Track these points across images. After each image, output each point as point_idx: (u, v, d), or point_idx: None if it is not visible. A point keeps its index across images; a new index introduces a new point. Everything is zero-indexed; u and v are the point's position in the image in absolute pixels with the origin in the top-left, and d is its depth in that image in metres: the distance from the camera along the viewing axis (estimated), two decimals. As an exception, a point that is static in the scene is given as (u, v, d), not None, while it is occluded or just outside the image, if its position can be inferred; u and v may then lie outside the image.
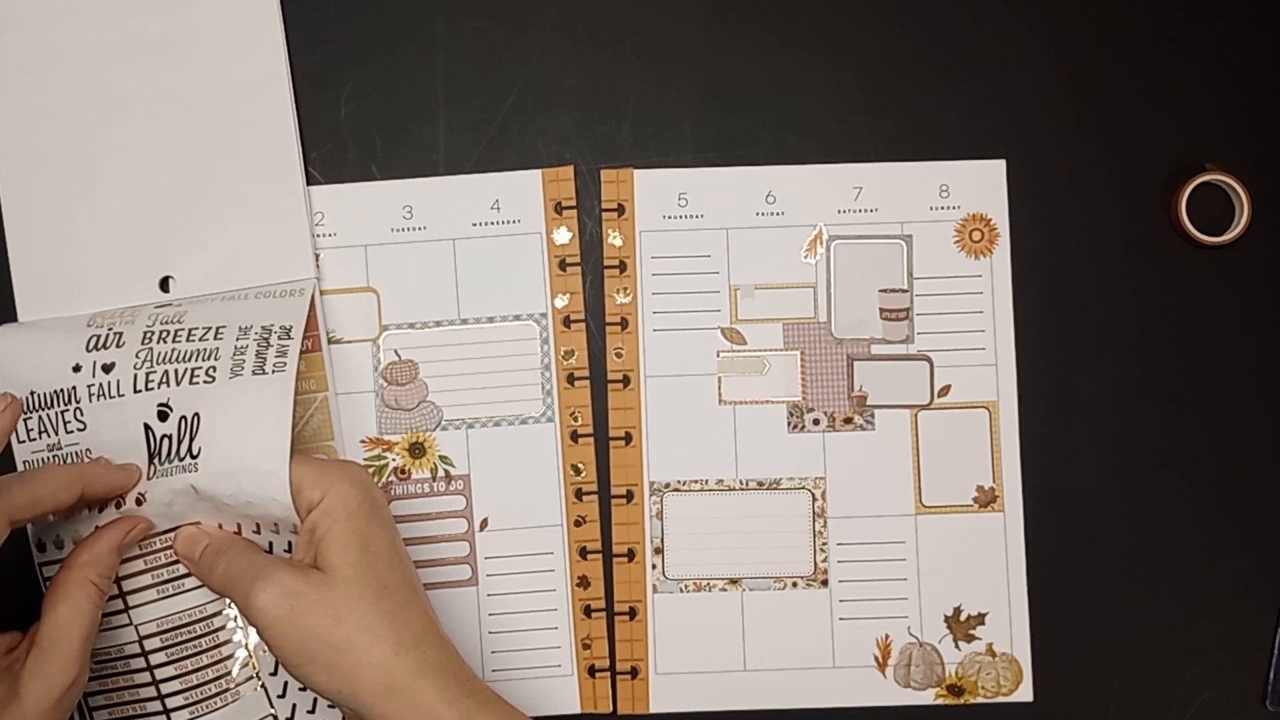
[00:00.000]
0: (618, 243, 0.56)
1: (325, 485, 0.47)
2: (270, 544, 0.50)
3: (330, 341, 0.55)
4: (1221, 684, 0.56)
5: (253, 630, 0.51)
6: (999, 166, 0.56)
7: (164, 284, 0.55)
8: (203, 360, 0.51)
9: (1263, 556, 0.57)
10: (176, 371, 0.51)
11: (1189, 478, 0.57)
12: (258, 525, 0.50)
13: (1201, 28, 0.57)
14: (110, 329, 0.52)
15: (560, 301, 0.56)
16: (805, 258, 0.56)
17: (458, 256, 0.56)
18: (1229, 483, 0.57)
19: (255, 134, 0.55)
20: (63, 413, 0.51)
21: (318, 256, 0.55)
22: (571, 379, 0.56)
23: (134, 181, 0.55)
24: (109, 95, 0.55)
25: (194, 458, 0.49)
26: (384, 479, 0.55)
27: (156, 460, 0.50)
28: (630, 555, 0.56)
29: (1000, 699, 0.56)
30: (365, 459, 0.55)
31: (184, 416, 0.50)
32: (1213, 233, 0.56)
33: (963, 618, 0.56)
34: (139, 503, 0.51)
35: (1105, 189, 0.57)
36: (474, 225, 0.56)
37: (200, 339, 0.51)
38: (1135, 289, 0.57)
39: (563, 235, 0.56)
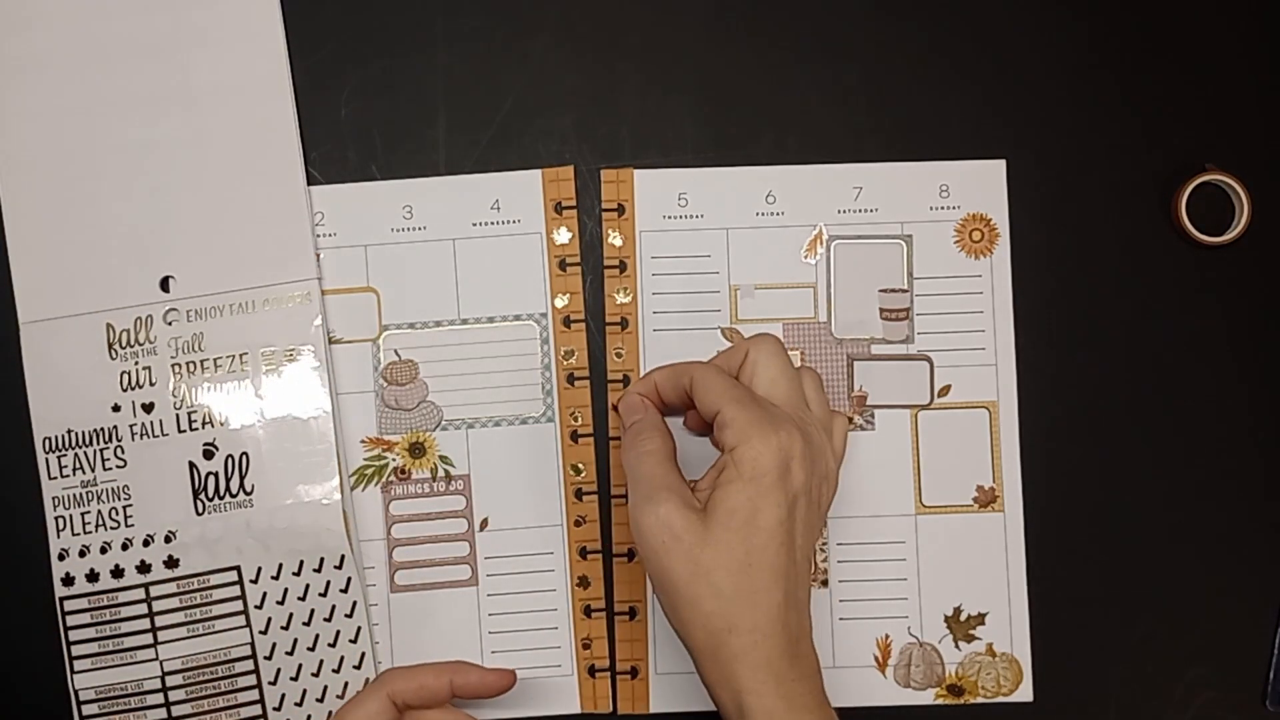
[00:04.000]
0: (618, 243, 0.58)
1: (747, 438, 0.49)
2: (327, 583, 0.55)
3: (330, 341, 0.57)
4: (1221, 684, 0.59)
5: (269, 674, 0.56)
6: (999, 166, 0.59)
7: (164, 284, 0.57)
8: (238, 395, 0.56)
9: (1262, 556, 0.59)
10: (218, 411, 0.56)
11: (1189, 478, 0.59)
12: (300, 564, 0.56)
13: (1202, 28, 0.60)
14: (137, 363, 0.55)
15: (560, 301, 0.58)
16: (805, 258, 0.59)
17: (458, 256, 0.58)
18: (1228, 482, 0.59)
19: (255, 134, 0.58)
20: (101, 450, 0.55)
21: (318, 256, 0.57)
22: (571, 379, 0.58)
23: (134, 181, 0.57)
24: (109, 95, 0.58)
25: (248, 494, 0.54)
26: (384, 479, 0.58)
27: (203, 496, 0.54)
28: (630, 555, 0.58)
29: (1000, 699, 0.58)
30: (365, 459, 0.58)
31: (230, 455, 0.55)
32: (1213, 233, 0.59)
33: (963, 618, 0.58)
34: (168, 538, 0.55)
35: (1105, 189, 0.59)
36: (474, 225, 0.58)
37: (229, 370, 0.55)
38: (1135, 289, 0.59)
39: (563, 235, 0.58)
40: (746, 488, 0.48)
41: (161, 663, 0.56)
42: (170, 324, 0.57)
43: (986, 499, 0.59)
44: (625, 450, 0.52)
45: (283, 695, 0.56)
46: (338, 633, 0.56)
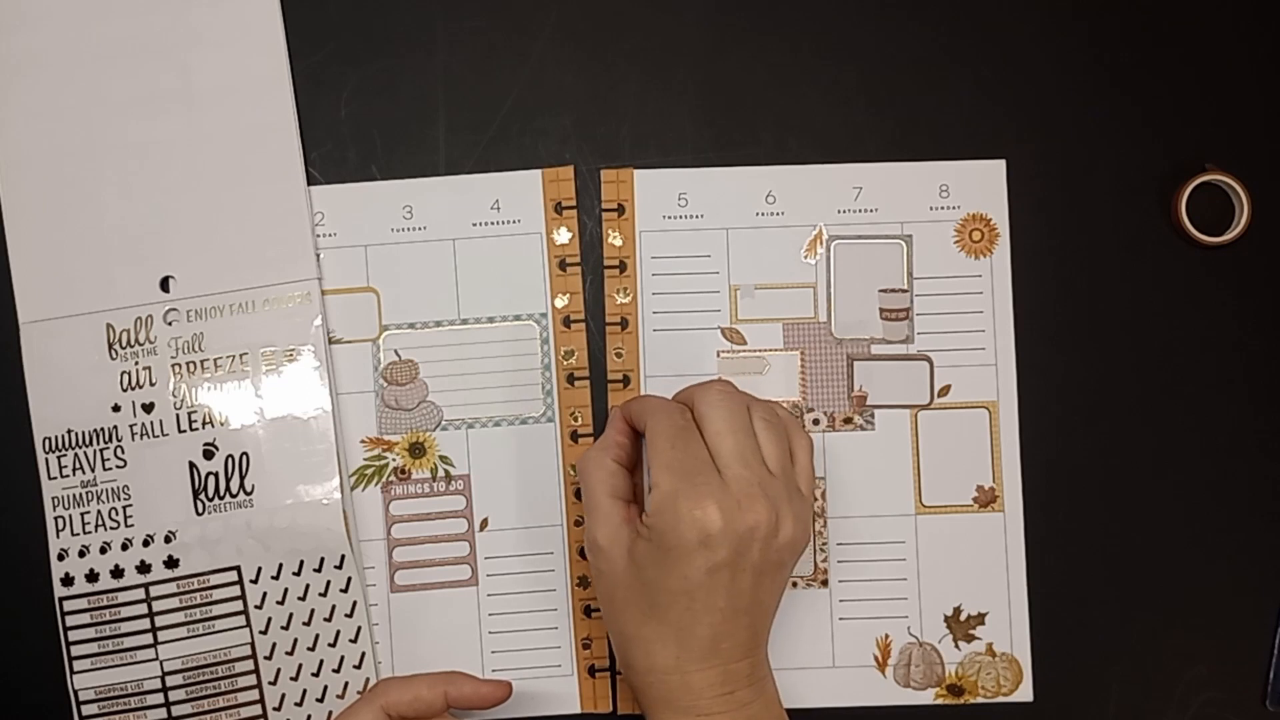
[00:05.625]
0: (618, 243, 0.58)
1: (662, 509, 0.49)
2: (327, 583, 0.55)
3: (330, 341, 0.58)
4: (1221, 684, 0.59)
5: (269, 674, 0.56)
6: (999, 166, 0.59)
7: (164, 284, 0.57)
8: (238, 395, 0.56)
9: (1262, 556, 0.59)
10: (218, 411, 0.56)
11: (1188, 477, 0.59)
12: (300, 564, 0.56)
13: (1202, 28, 0.60)
14: (137, 363, 0.55)
15: (560, 301, 0.58)
16: (805, 258, 0.59)
17: (458, 256, 0.58)
18: (1228, 482, 0.59)
19: (256, 134, 0.58)
20: (101, 451, 0.55)
21: (318, 256, 0.58)
22: (571, 379, 0.58)
23: (134, 181, 0.57)
24: (109, 95, 0.58)
25: (248, 494, 0.54)
26: (384, 479, 0.58)
27: (203, 496, 0.54)
28: (630, 555, 0.58)
29: (1000, 699, 0.58)
30: (365, 459, 0.58)
31: (231, 455, 0.55)
32: (1213, 233, 0.59)
33: (963, 618, 0.58)
34: (168, 538, 0.55)
35: (1105, 189, 0.59)
36: (474, 225, 0.58)
37: (229, 370, 0.55)
38: (1135, 289, 0.59)
39: (563, 235, 0.58)
40: (654, 552, 0.49)
41: (161, 663, 0.56)
42: (170, 324, 0.57)
43: (986, 499, 0.59)
44: (579, 464, 0.53)
45: (283, 695, 0.56)
46: (338, 633, 0.56)
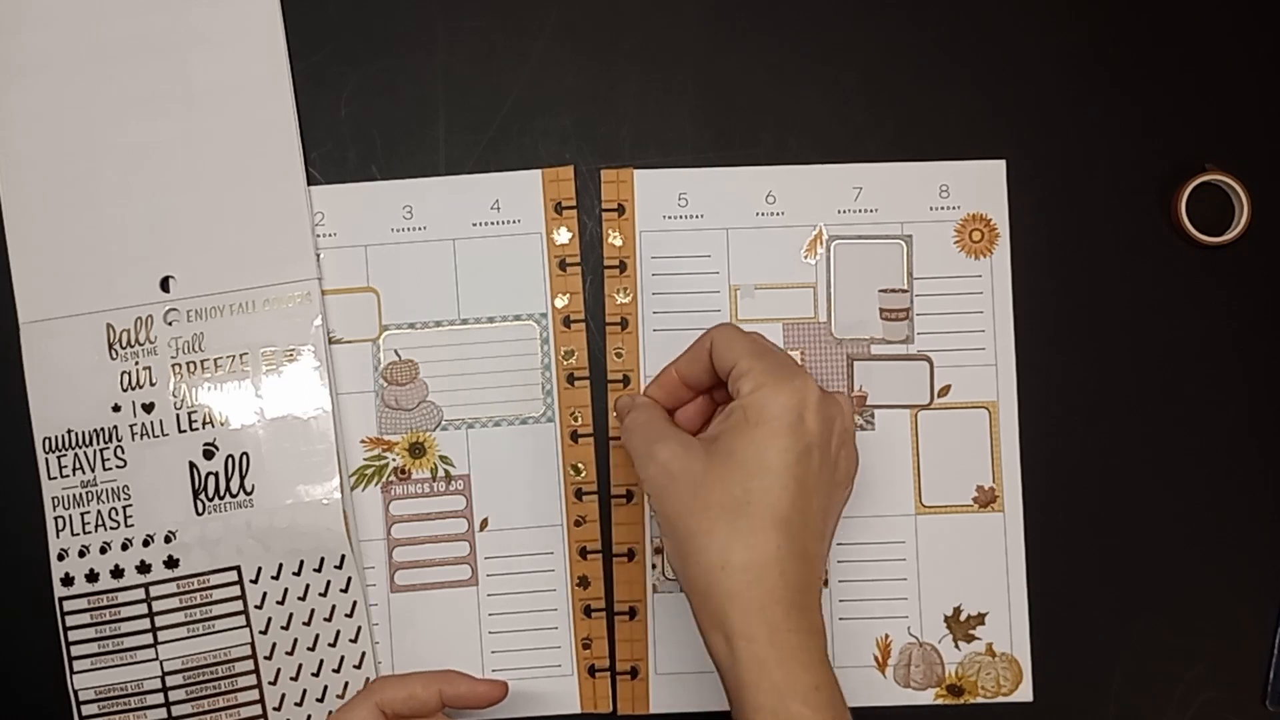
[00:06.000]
0: (618, 243, 0.58)
1: (760, 384, 0.49)
2: (327, 583, 0.56)
3: (330, 341, 0.58)
4: (1221, 684, 0.59)
5: (269, 673, 0.56)
6: (999, 166, 0.59)
7: (164, 284, 0.57)
8: (238, 395, 0.56)
9: (1262, 557, 0.59)
10: (218, 411, 0.56)
11: (1189, 478, 0.59)
12: (300, 564, 0.56)
13: (1202, 28, 0.60)
14: (137, 363, 0.56)
15: (560, 301, 0.58)
16: (805, 258, 0.59)
17: (458, 256, 0.58)
18: (1229, 483, 0.59)
19: (256, 134, 0.58)
20: (102, 450, 0.55)
21: (318, 256, 0.58)
22: (571, 379, 0.58)
23: (134, 181, 0.57)
24: (109, 95, 0.58)
25: (248, 494, 0.54)
26: (384, 479, 0.58)
27: (203, 496, 0.54)
28: (630, 555, 0.58)
29: (1000, 699, 0.58)
30: (365, 459, 0.58)
31: (231, 455, 0.55)
32: (1213, 233, 0.59)
33: (963, 618, 0.58)
34: (168, 538, 0.55)
35: (1105, 189, 0.59)
36: (474, 225, 0.58)
37: (229, 370, 0.55)
38: (1135, 289, 0.59)
39: (563, 235, 0.58)
40: (753, 431, 0.48)
41: (161, 663, 0.56)
42: (170, 324, 0.57)
43: (986, 499, 0.59)
44: (622, 434, 0.53)
45: (283, 695, 0.56)
46: (338, 633, 0.56)
